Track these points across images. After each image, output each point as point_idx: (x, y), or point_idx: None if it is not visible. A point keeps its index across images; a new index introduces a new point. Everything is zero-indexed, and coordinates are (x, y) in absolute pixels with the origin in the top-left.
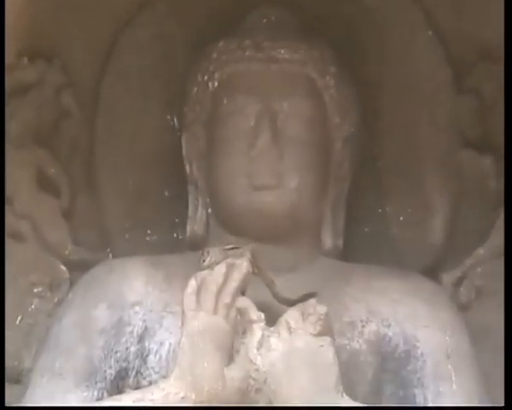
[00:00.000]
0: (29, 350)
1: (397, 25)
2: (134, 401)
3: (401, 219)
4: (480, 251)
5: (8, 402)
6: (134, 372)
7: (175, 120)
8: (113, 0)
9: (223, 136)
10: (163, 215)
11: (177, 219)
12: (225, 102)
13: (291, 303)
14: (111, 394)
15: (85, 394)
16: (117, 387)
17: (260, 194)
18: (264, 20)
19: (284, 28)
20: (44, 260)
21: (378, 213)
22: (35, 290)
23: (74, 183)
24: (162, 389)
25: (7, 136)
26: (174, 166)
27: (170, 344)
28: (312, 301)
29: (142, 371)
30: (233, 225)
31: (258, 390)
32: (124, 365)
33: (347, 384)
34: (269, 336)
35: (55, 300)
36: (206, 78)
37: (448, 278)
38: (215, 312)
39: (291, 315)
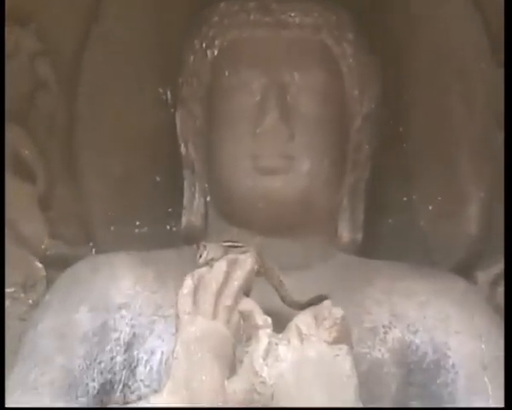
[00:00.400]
0: None
1: None
2: None
3: (430, 208)
4: None
5: None
6: (120, 386)
7: (168, 93)
8: None
9: (224, 113)
10: (154, 204)
11: (170, 209)
12: (227, 73)
13: (302, 306)
14: None
15: None
16: (101, 402)
17: (267, 179)
18: None
19: None
20: (17, 255)
21: (403, 201)
22: (6, 291)
23: (52, 166)
24: (153, 405)
25: None
26: (167, 148)
27: (162, 353)
28: (327, 303)
29: (129, 384)
30: (235, 216)
31: (264, 406)
32: (109, 377)
33: (367, 400)
34: (277, 344)
35: (30, 302)
36: (204, 45)
37: (484, 276)
38: (214, 316)
39: (302, 320)
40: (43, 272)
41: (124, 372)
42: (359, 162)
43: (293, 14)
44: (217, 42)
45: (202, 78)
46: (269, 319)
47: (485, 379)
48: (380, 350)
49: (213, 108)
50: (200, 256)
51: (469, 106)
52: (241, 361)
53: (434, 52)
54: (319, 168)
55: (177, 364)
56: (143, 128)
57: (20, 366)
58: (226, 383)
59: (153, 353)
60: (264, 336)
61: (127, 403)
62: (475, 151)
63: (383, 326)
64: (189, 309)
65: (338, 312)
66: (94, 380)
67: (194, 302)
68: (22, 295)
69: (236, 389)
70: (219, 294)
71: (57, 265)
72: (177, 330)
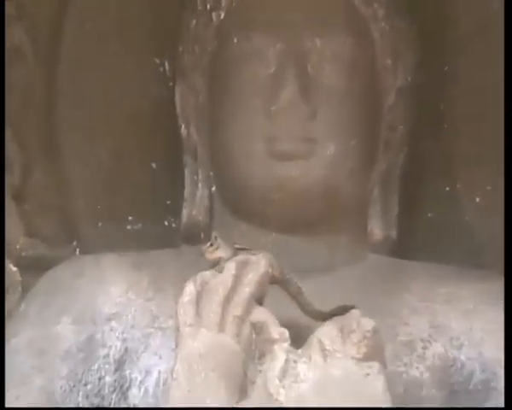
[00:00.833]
0: None
1: None
2: None
3: (477, 200)
4: None
5: None
6: None
7: (166, 65)
8: None
9: (232, 87)
10: (149, 196)
11: (168, 201)
12: (235, 40)
13: (325, 317)
14: None
15: None
16: None
17: (284, 166)
18: None
19: None
20: None
21: (445, 192)
22: None
23: (28, 151)
24: None
25: None
26: (165, 129)
27: (159, 373)
28: (355, 312)
29: None
30: (245, 210)
31: None
32: (96, 401)
33: None
34: (295, 362)
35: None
36: (208, 6)
37: None
38: (221, 328)
39: (325, 333)
40: (18, 277)
41: (114, 396)
42: (393, 145)
43: None
44: (223, 2)
45: (206, 45)
46: (286, 332)
47: None
48: (418, 368)
49: (219, 82)
50: (211, 245)
51: None
52: (254, 382)
53: (483, 14)
54: (345, 152)
55: (176, 385)
56: (136, 106)
57: None
58: (236, 407)
59: (148, 372)
60: (281, 351)
61: None
62: None
63: (422, 340)
64: (191, 320)
65: (368, 323)
66: (78, 404)
67: (198, 312)
68: None
69: None
70: (227, 302)
71: (35, 268)
72: (176, 345)
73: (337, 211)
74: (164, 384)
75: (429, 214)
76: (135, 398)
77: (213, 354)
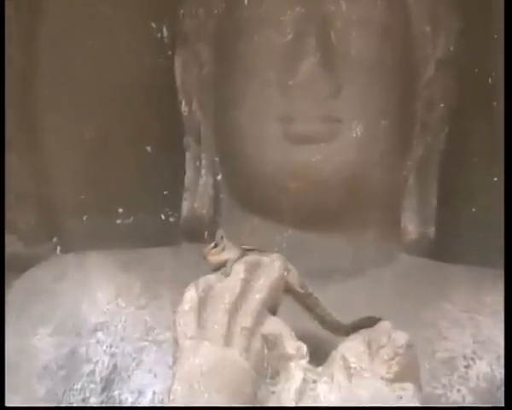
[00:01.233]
0: None
1: None
2: None
3: None
4: None
5: None
6: None
7: (164, 30)
8: None
9: (242, 57)
10: (143, 185)
11: (165, 192)
12: (246, 1)
13: (348, 330)
14: None
15: None
16: None
17: (302, 149)
18: None
19: None
20: None
21: (492, 183)
22: None
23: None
24: None
25: None
26: (162, 106)
27: (154, 393)
28: (385, 325)
29: None
30: (257, 201)
31: None
32: None
33: None
34: (315, 382)
35: None
36: None
37: None
38: (228, 341)
39: (351, 348)
40: None
41: None
42: (431, 127)
43: None
44: None
45: (212, 7)
46: (303, 347)
47: None
48: (459, 391)
49: (227, 51)
50: (215, 246)
51: None
52: (265, 405)
53: None
54: (375, 134)
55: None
56: (128, 78)
57: None
58: None
59: (141, 393)
60: (298, 369)
61: None
62: None
63: (464, 357)
64: (193, 332)
65: (401, 337)
66: None
67: (200, 323)
68: None
69: None
70: (235, 310)
71: (9, 269)
72: (174, 361)
73: (364, 203)
74: (160, 407)
75: (473, 209)
76: None
77: (218, 372)
